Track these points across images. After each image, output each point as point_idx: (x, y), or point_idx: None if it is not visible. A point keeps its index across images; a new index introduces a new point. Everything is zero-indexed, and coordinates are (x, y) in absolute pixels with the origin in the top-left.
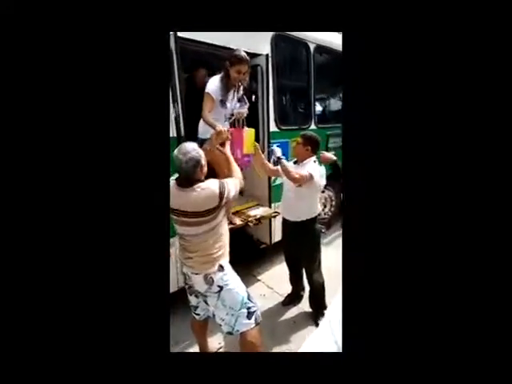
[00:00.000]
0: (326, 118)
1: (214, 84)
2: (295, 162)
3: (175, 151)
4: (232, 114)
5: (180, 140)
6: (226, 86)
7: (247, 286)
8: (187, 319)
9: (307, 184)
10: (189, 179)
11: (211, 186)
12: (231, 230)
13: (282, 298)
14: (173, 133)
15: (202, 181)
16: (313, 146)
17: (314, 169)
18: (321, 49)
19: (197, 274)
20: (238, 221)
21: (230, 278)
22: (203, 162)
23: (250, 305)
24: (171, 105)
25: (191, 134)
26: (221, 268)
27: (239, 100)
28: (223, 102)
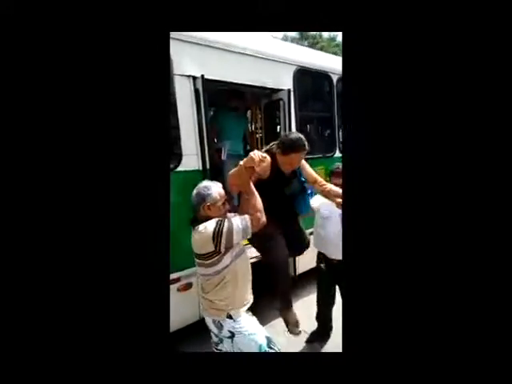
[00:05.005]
0: None
1: None
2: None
3: None
4: None
5: (206, 173)
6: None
7: (270, 321)
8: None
9: None
10: (195, 216)
11: (207, 228)
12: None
13: (306, 336)
14: (198, 165)
15: (206, 220)
16: None
17: None
18: None
19: (207, 316)
20: None
21: (244, 326)
22: (211, 201)
23: (272, 352)
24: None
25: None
26: (230, 317)
27: None
28: None
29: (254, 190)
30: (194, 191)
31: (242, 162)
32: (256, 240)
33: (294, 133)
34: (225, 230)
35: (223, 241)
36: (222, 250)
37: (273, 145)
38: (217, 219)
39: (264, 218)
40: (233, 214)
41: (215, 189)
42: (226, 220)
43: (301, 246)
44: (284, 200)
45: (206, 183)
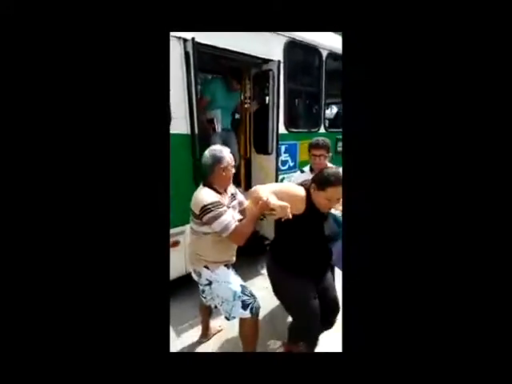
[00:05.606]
0: (336, 122)
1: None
2: (311, 170)
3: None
4: None
5: (194, 137)
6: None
7: (251, 279)
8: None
9: None
10: (205, 177)
11: (205, 197)
12: None
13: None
14: (187, 130)
15: (212, 187)
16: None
17: None
18: (333, 55)
19: (190, 265)
20: None
21: (220, 275)
22: (225, 163)
23: (245, 298)
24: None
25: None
26: (206, 268)
27: None
28: None
29: (254, 221)
30: (208, 153)
31: (274, 202)
32: (286, 296)
33: (331, 167)
34: (211, 214)
35: (205, 218)
36: (202, 221)
37: (305, 181)
38: (219, 199)
39: (241, 244)
40: (236, 203)
41: (226, 153)
42: (223, 208)
43: (331, 313)
44: (320, 243)
45: (217, 146)
